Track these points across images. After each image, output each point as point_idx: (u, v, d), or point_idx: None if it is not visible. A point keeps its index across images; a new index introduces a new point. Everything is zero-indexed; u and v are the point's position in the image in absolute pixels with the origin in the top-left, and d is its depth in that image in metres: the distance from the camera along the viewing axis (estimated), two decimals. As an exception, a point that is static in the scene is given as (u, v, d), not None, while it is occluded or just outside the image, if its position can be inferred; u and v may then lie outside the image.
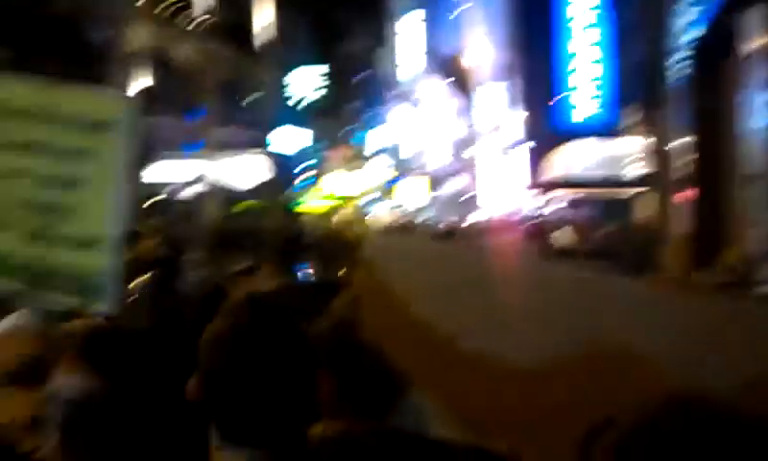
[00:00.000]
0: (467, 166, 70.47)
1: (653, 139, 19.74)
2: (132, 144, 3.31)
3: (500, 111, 46.81)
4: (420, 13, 60.57)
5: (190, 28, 25.51)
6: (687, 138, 16.65)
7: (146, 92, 23.45)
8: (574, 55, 30.19)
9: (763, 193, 12.35)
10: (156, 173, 23.56)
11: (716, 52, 14.20)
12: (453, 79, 68.61)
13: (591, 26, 29.23)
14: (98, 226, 3.25)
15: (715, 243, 13.12)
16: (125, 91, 21.98)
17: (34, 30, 17.76)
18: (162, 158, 23.96)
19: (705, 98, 15.43)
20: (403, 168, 57.33)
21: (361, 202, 48.57)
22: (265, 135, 31.43)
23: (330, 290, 2.68)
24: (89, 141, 3.29)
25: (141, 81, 23.32)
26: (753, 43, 12.52)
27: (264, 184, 28.69)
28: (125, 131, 3.32)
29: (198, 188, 25.47)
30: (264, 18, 31.60)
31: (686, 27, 16.93)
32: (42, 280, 3.16)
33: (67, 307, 2.84)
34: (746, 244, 12.22)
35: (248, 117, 30.88)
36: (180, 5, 24.89)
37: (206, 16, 26.67)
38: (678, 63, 17.62)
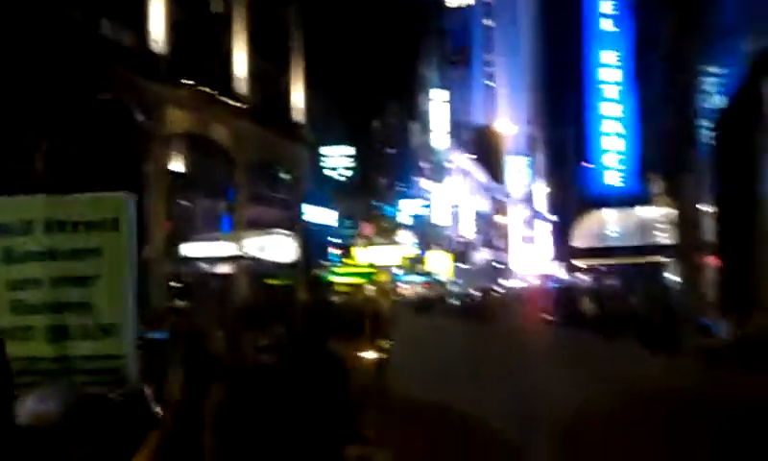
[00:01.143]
0: (495, 237, 70.66)
1: (679, 207, 19.95)
2: (134, 236, 3.69)
3: (527, 183, 47.30)
4: (447, 90, 61.70)
5: (226, 110, 26.29)
6: (713, 206, 16.88)
7: (183, 173, 24.16)
8: (598, 128, 30.75)
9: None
10: (192, 251, 24.08)
11: (742, 118, 14.49)
12: (481, 152, 69.34)
13: (614, 100, 29.84)
14: (112, 316, 3.60)
15: (742, 307, 13.21)
16: (165, 171, 22.73)
17: (80, 116, 18.51)
18: (198, 238, 24.50)
19: (730, 164, 15.69)
20: (433, 240, 57.68)
21: (392, 273, 48.75)
22: (297, 213, 31.97)
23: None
24: (96, 240, 3.65)
25: (179, 162, 24.03)
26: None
27: (296, 260, 29.13)
28: (127, 226, 3.71)
29: (231, 266, 25.95)
30: (297, 98, 32.46)
31: (712, 94, 17.30)
32: (67, 372, 3.49)
33: (92, 391, 3.00)
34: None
35: (280, 196, 31.49)
36: (216, 88, 25.71)
37: (242, 98, 27.48)
38: (703, 131, 17.96)
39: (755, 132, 13.55)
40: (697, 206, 18.99)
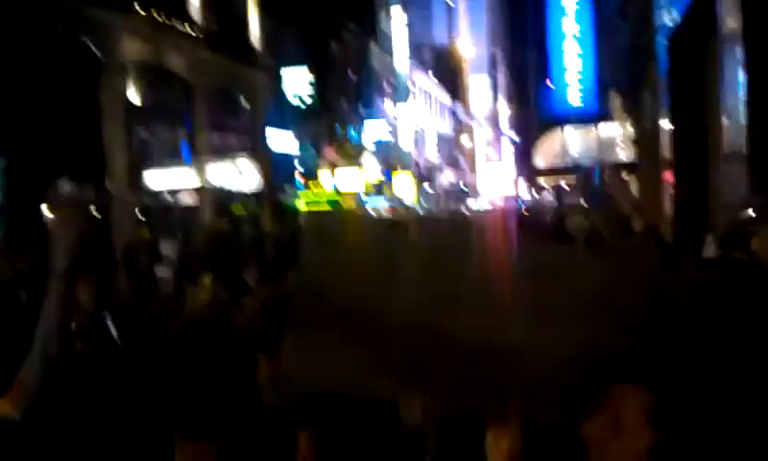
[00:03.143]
0: (459, 159, 70.79)
1: (637, 125, 20.15)
2: None
3: (489, 103, 47.23)
4: (407, 10, 60.95)
5: (182, 38, 25.82)
6: (669, 122, 17.08)
7: (140, 104, 23.82)
8: (557, 47, 30.70)
9: (742, 171, 12.72)
10: (153, 182, 23.93)
11: (695, 36, 14.58)
12: (443, 73, 68.90)
13: (574, 18, 29.76)
14: None
15: (695, 222, 13.51)
16: (121, 102, 22.39)
17: (32, 51, 18.12)
18: (157, 167, 24.33)
19: (685, 81, 15.84)
20: (397, 163, 57.69)
21: (358, 198, 48.85)
22: (259, 140, 31.75)
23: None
24: None
25: (135, 92, 23.67)
26: (730, 26, 12.88)
27: (260, 187, 29.08)
28: None
29: (194, 195, 25.86)
30: (253, 22, 31.92)
31: (669, 10, 17.34)
32: None
33: None
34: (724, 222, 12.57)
35: (241, 122, 31.19)
36: (172, 16, 25.21)
37: (198, 26, 26.98)
38: (661, 48, 18.05)
39: (707, 47, 13.67)
40: (655, 122, 19.19)
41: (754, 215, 7.16)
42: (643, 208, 17.89)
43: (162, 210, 24.43)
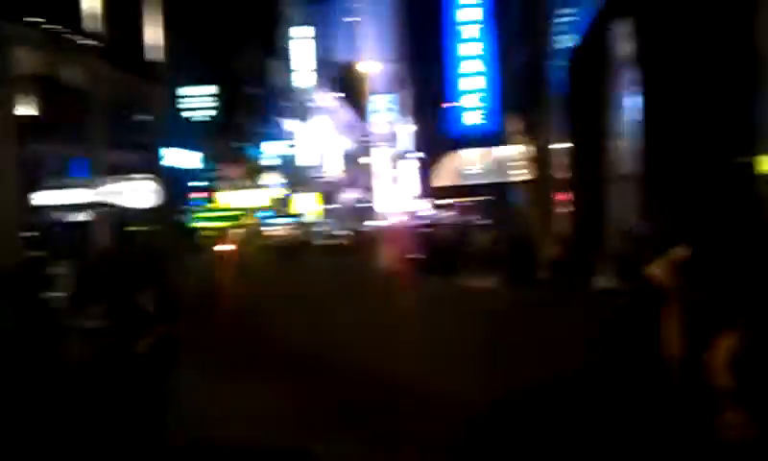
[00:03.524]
0: (362, 177, 71.04)
1: (534, 145, 20.59)
2: None
3: (392, 121, 47.57)
4: (310, 27, 60.92)
5: (77, 50, 25.07)
6: (566, 143, 17.50)
7: (33, 118, 22.97)
8: (458, 67, 31.15)
9: (635, 191, 13.09)
10: (47, 199, 23.08)
11: (592, 60, 15.00)
12: (346, 90, 69.13)
13: (474, 40, 30.25)
14: None
15: (594, 241, 13.84)
16: (12, 116, 21.50)
17: None
18: (53, 185, 23.49)
19: (583, 104, 16.27)
20: (300, 181, 57.42)
21: (257, 216, 48.41)
22: (157, 156, 31.08)
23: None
24: None
25: (28, 105, 22.82)
26: (623, 51, 13.29)
27: (158, 206, 28.40)
28: None
29: (89, 213, 25.07)
30: (152, 37, 31.28)
31: (563, 37, 17.81)
32: None
33: None
34: (619, 240, 12.93)
35: (138, 139, 30.47)
36: (66, 27, 24.45)
37: (95, 37, 26.25)
38: (557, 72, 18.51)
39: (603, 71, 14.08)
40: (551, 143, 19.63)
41: (645, 239, 7.33)
42: (541, 228, 18.26)
43: (56, 229, 23.56)
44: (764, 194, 8.39)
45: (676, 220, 9.08)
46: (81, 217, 24.99)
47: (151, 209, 28.03)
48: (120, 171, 27.07)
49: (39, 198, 22.85)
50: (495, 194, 27.94)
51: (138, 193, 27.35)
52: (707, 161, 10.00)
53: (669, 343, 3.24)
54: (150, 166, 29.56)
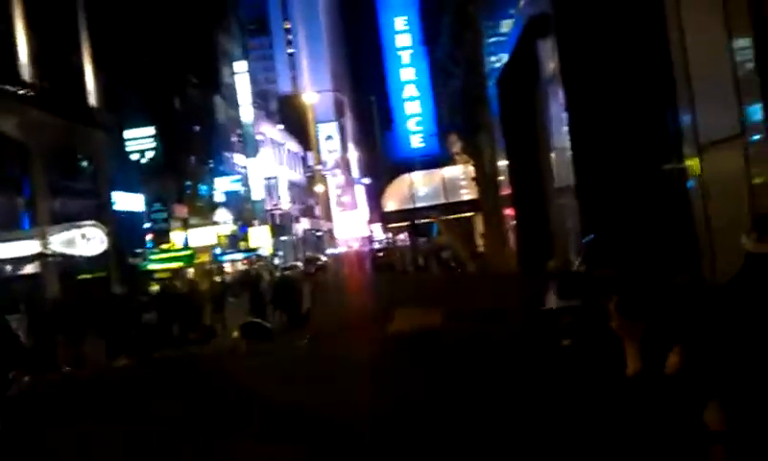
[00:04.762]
0: (313, 206, 71.06)
1: (476, 165, 20.93)
2: None
3: (338, 149, 47.84)
4: (246, 61, 61.13)
5: (11, 98, 24.85)
6: (505, 160, 17.84)
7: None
8: (397, 94, 31.57)
9: (572, 204, 13.40)
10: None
11: (522, 79, 15.36)
12: (289, 121, 69.24)
13: (407, 66, 30.74)
14: None
15: (537, 255, 14.12)
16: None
17: None
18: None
19: (516, 122, 16.62)
20: (251, 215, 57.30)
21: (212, 253, 48.20)
22: (104, 201, 30.83)
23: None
24: None
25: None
26: (550, 69, 13.64)
27: (107, 252, 28.13)
28: None
29: (35, 265, 24.76)
30: (91, 81, 31.12)
31: (497, 54, 18.18)
32: None
33: None
34: (563, 253, 13.23)
35: (85, 186, 30.21)
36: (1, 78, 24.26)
37: (28, 84, 26.05)
38: (489, 92, 18.88)
39: (533, 89, 14.43)
40: (493, 162, 19.97)
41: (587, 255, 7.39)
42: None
43: (2, 283, 23.23)
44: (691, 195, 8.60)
45: (608, 232, 9.30)
46: (28, 269, 24.68)
47: (103, 255, 27.77)
48: (67, 219, 26.79)
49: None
50: (445, 214, 28.24)
51: (87, 240, 27.08)
52: (633, 170, 10.35)
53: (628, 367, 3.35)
54: (99, 212, 29.28)
